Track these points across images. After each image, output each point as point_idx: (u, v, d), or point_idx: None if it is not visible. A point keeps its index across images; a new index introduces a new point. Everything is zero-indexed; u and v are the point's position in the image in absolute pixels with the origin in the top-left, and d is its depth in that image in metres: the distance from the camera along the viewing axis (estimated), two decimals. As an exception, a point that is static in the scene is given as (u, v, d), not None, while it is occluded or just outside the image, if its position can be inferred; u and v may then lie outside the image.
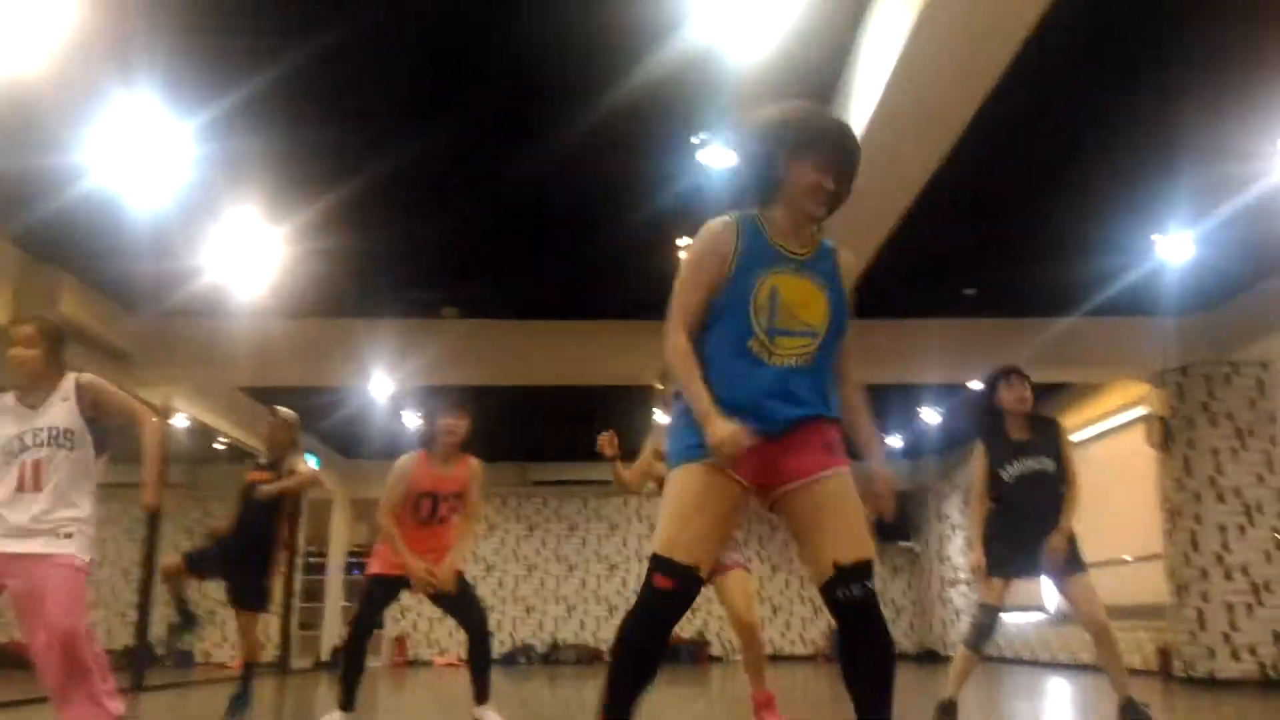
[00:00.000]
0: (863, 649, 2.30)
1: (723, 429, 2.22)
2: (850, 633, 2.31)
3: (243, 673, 5.60)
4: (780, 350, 2.37)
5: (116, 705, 3.28)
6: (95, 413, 3.46)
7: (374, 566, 4.67)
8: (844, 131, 2.46)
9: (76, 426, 3.40)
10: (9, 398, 3.48)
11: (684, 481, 2.35)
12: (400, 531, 4.54)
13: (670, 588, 2.27)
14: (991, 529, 4.63)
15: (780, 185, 2.41)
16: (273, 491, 5.19)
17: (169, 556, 5.53)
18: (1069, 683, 8.53)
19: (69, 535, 3.29)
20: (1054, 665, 11.28)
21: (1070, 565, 4.43)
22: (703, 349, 2.40)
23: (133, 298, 7.58)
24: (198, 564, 5.50)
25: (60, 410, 3.42)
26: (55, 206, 5.85)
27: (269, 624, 13.94)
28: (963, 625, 12.79)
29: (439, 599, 4.61)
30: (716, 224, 2.44)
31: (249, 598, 5.45)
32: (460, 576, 4.61)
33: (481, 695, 4.55)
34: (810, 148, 2.38)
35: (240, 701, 5.41)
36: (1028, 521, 4.50)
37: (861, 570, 2.28)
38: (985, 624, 4.56)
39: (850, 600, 2.26)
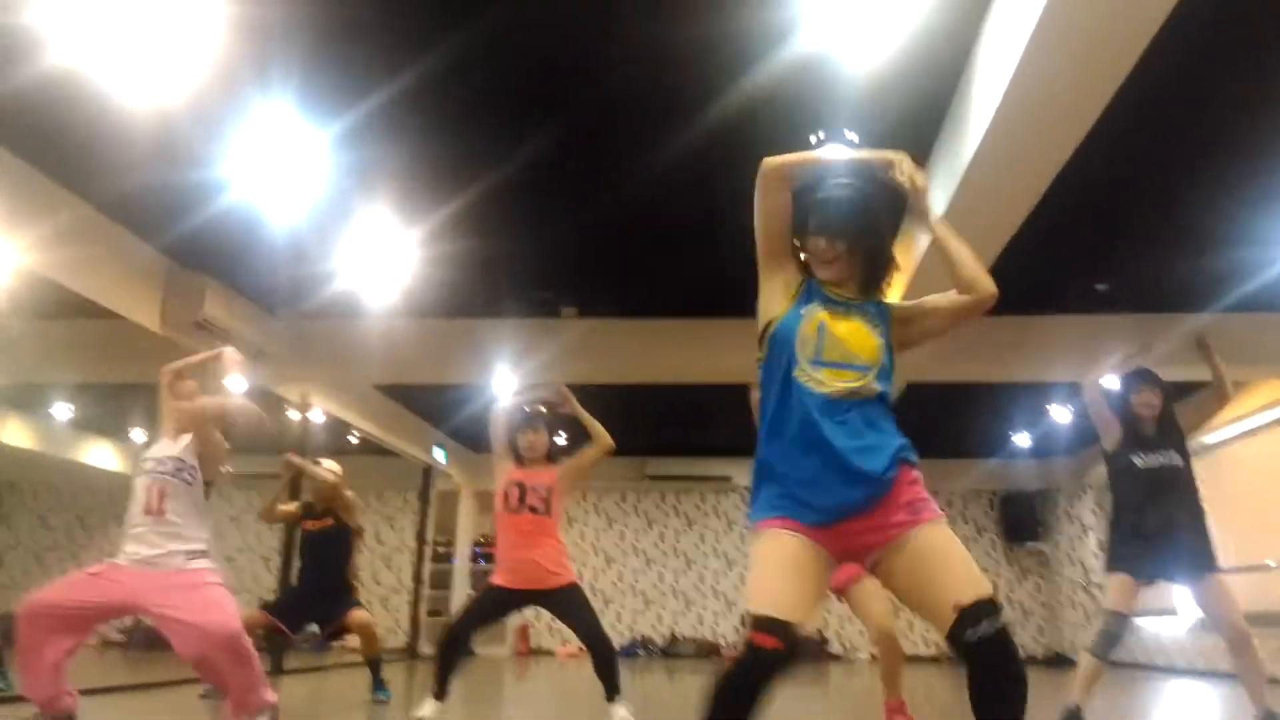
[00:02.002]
0: (999, 686, 2.12)
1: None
2: (986, 671, 2.13)
3: (371, 667, 5.92)
4: (828, 382, 2.36)
5: (270, 693, 3.52)
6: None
7: (495, 577, 4.76)
8: (828, 194, 2.48)
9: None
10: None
11: (773, 544, 2.27)
12: (498, 525, 4.74)
13: (773, 647, 2.13)
14: (1118, 526, 4.51)
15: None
16: (296, 467, 6.03)
17: (246, 611, 5.89)
18: (1203, 691, 8.18)
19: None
20: (1189, 672, 10.83)
21: (1204, 565, 4.27)
22: (771, 419, 2.45)
23: (272, 301, 7.96)
24: (281, 613, 5.97)
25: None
26: (200, 217, 6.21)
27: (390, 615, 14.47)
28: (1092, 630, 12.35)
29: (554, 609, 4.68)
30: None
31: (337, 612, 5.88)
32: (572, 586, 4.67)
33: (611, 692, 4.61)
34: (802, 223, 2.51)
35: (380, 692, 5.76)
36: (1156, 518, 4.37)
37: (985, 607, 2.13)
38: (1114, 632, 4.41)
39: (982, 639, 2.11)
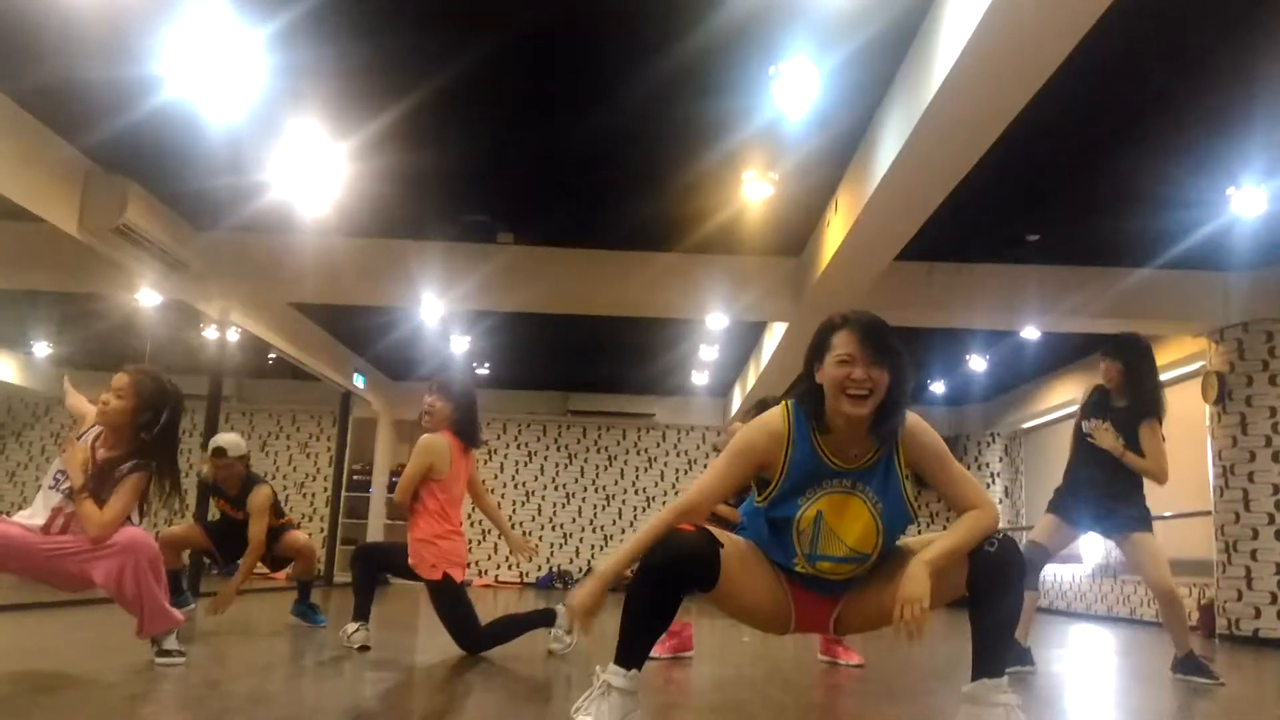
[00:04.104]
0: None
1: (582, 594, 2.35)
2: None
3: (300, 589, 5.98)
4: (822, 571, 2.45)
5: (175, 613, 3.47)
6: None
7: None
8: (863, 318, 2.41)
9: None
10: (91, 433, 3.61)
11: (748, 558, 2.48)
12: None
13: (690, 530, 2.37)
14: (1064, 479, 4.68)
15: (821, 396, 2.41)
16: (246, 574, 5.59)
17: (183, 526, 5.81)
18: (1110, 634, 8.55)
19: None
20: (1088, 616, 11.32)
21: (1133, 522, 4.41)
22: (758, 522, 2.51)
23: (195, 210, 7.62)
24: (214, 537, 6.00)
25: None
26: (125, 117, 5.87)
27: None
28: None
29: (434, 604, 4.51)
30: (771, 426, 2.47)
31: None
32: (440, 582, 4.38)
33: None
34: (829, 346, 2.40)
35: (316, 617, 5.73)
36: (1083, 474, 4.53)
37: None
38: (1031, 559, 4.57)
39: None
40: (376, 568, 4.72)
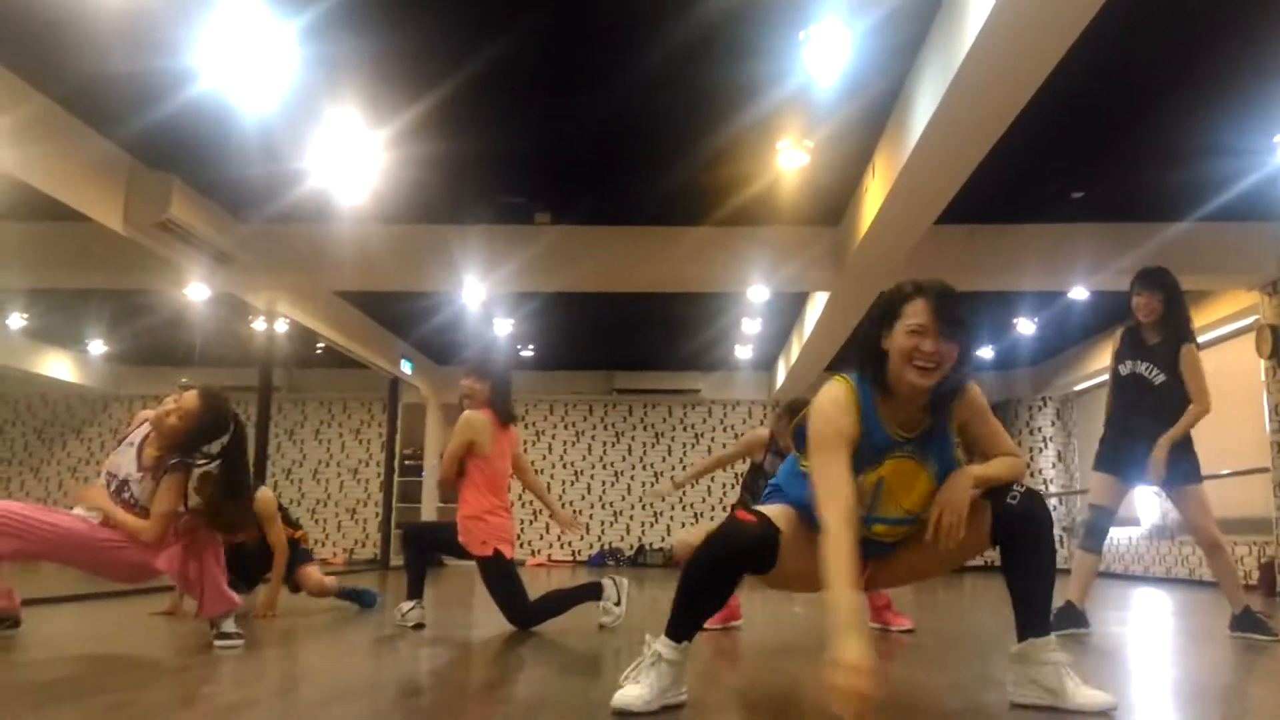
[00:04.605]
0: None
1: (851, 653, 1.91)
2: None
3: (345, 597, 5.75)
4: (876, 534, 2.44)
5: (234, 596, 3.58)
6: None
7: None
8: (937, 288, 2.33)
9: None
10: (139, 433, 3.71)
11: (789, 511, 2.45)
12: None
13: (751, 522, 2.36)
14: (1106, 429, 4.59)
15: (884, 362, 2.34)
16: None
17: None
18: (1168, 596, 8.44)
19: None
20: (1145, 579, 11.17)
21: (1182, 476, 4.34)
22: (800, 487, 2.42)
23: (238, 203, 7.74)
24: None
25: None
26: (164, 111, 5.97)
27: (359, 526, 14.52)
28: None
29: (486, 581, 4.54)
30: (845, 403, 2.34)
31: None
32: (490, 558, 4.46)
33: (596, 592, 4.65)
34: (900, 314, 2.33)
35: (368, 598, 5.67)
36: (1130, 423, 4.45)
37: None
38: (1095, 523, 4.54)
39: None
40: (427, 547, 4.81)
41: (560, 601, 4.59)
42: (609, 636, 4.28)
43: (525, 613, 4.49)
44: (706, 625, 4.40)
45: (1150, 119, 6.23)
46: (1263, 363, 8.37)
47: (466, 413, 4.62)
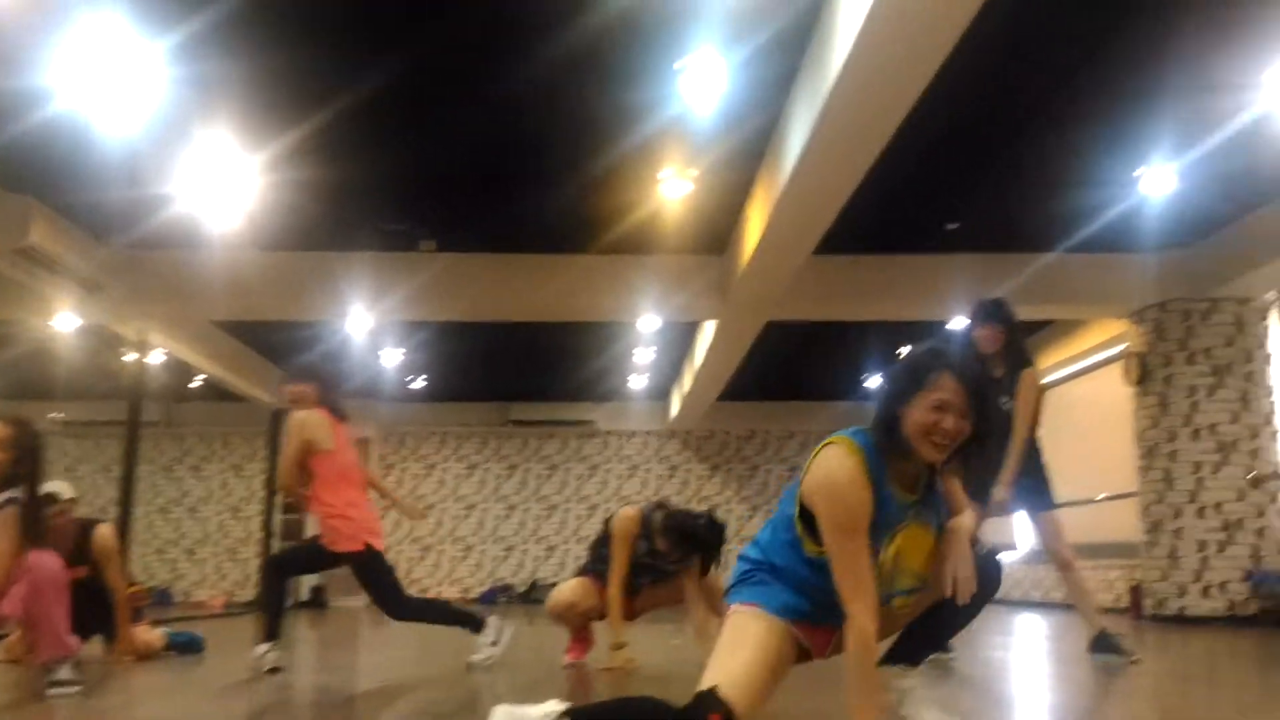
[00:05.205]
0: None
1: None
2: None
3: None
4: (894, 608, 2.27)
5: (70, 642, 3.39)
6: None
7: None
8: (968, 366, 2.22)
9: None
10: None
11: (768, 638, 2.21)
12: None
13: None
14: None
15: (898, 427, 2.19)
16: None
17: None
18: (1042, 620, 8.66)
19: None
20: (1025, 604, 11.45)
21: (1036, 502, 4.45)
22: (796, 561, 2.26)
23: (105, 227, 7.42)
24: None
25: None
26: (23, 131, 5.69)
27: (239, 567, 13.99)
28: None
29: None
30: (857, 479, 2.16)
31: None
32: (363, 552, 4.30)
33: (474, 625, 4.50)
34: (925, 384, 2.17)
35: (193, 646, 5.24)
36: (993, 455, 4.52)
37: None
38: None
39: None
40: (296, 572, 4.58)
41: (440, 612, 4.51)
42: (482, 676, 4.14)
43: (401, 605, 4.38)
44: (566, 660, 4.37)
45: (1017, 151, 6.44)
46: (1131, 390, 8.69)
47: (297, 414, 4.42)
